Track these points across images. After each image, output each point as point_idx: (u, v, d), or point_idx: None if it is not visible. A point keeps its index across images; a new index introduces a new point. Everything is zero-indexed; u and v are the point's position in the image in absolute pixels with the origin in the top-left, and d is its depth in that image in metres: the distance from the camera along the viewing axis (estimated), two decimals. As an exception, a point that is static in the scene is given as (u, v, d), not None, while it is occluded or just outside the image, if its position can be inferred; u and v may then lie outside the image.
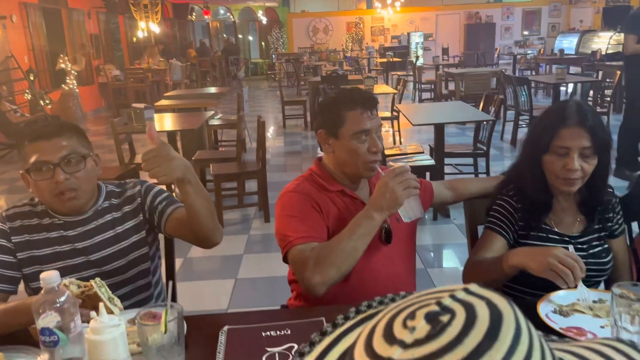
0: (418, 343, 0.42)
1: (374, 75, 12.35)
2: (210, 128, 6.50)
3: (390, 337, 0.44)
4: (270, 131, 8.52)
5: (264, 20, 18.20)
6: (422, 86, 10.10)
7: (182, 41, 16.83)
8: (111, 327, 0.92)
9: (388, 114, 6.66)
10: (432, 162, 4.28)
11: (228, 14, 18.80)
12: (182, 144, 5.71)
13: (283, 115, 8.65)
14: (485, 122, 4.40)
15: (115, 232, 1.51)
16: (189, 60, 14.81)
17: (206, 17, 15.07)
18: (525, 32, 18.20)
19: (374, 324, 0.48)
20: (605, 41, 14.05)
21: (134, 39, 13.67)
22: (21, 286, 1.47)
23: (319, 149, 1.64)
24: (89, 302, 1.10)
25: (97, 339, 0.90)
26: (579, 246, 1.55)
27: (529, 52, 16.00)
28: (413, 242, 1.72)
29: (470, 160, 4.81)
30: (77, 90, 9.00)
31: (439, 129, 4.41)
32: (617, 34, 14.05)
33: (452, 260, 3.63)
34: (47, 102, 8.24)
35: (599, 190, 1.53)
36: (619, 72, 6.33)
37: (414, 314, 0.45)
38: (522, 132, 6.51)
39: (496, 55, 15.11)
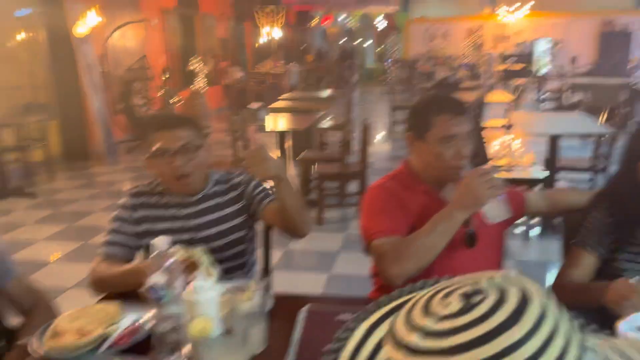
0: (449, 317, 0.48)
1: (492, 82, 11.94)
2: (318, 130, 6.76)
3: (426, 310, 0.51)
4: (377, 135, 8.60)
5: (381, 26, 18.31)
6: (545, 95, 9.57)
7: (300, 46, 17.49)
8: (208, 289, 1.07)
9: (502, 122, 6.43)
10: (544, 174, 4.10)
11: (346, 21, 19.20)
12: (292, 143, 6.01)
13: (392, 120, 8.68)
14: (605, 136, 4.12)
15: (220, 215, 1.70)
16: (306, 65, 15.38)
17: (326, 22, 15.51)
18: (670, 41, 16.41)
19: (418, 299, 0.56)
20: None
21: (256, 44, 14.50)
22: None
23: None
24: (191, 269, 1.28)
25: (194, 299, 1.06)
26: None
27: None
28: (500, 249, 1.71)
29: (589, 176, 4.52)
30: (204, 90, 9.77)
31: (553, 140, 4.20)
32: None
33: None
34: (177, 99, 9.05)
35: None
36: None
37: (453, 293, 0.52)
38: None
39: (630, 66, 13.82)
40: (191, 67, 9.68)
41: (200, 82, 9.68)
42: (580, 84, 7.91)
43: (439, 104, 1.57)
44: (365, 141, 4.32)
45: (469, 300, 0.50)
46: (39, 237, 4.38)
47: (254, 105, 4.90)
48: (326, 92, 8.78)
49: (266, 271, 1.98)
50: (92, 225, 4.65)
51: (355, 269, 3.58)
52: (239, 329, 1.05)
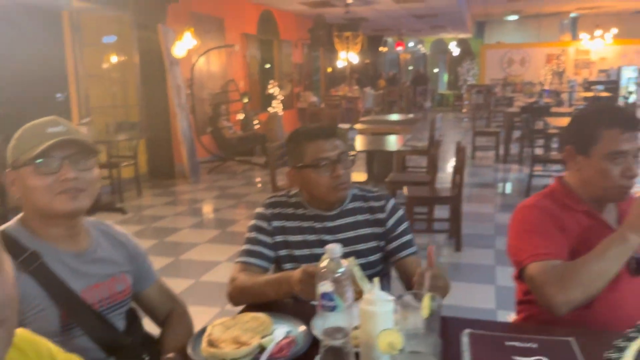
0: None
1: (572, 110, 11.39)
2: (400, 153, 6.63)
3: None
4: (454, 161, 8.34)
5: (455, 52, 18.08)
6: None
7: (374, 71, 17.55)
8: (384, 301, 0.97)
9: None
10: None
11: (418, 46, 19.11)
12: (376, 165, 5.92)
13: (473, 145, 8.41)
14: None
15: (357, 233, 1.60)
16: (378, 90, 15.37)
17: (399, 48, 15.50)
18: None
19: None
20: None
21: (329, 69, 14.66)
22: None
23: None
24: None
25: (371, 310, 0.96)
26: None
27: None
28: None
29: None
30: (281, 114, 9.93)
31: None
32: None
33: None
34: (256, 122, 9.24)
35: None
36: None
37: None
38: None
39: None
40: (270, 91, 9.88)
41: (277, 106, 9.84)
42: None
43: (610, 116, 1.42)
44: (461, 164, 4.15)
45: None
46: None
47: (343, 125, 4.86)
48: (397, 116, 8.69)
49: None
50: (180, 242, 4.72)
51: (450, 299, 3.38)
52: (425, 343, 0.94)
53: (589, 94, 12.95)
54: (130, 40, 7.19)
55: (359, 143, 5.15)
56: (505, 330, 1.28)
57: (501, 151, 8.11)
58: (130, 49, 7.25)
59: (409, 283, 1.48)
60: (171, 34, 7.12)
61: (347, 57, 11.26)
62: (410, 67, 18.41)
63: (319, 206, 1.59)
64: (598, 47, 15.98)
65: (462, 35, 17.60)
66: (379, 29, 15.32)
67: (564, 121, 6.23)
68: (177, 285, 2.46)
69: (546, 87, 15.06)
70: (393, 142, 5.32)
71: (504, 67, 17.36)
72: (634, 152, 1.39)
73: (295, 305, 1.41)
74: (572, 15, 15.77)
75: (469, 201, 5.80)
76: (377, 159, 6.08)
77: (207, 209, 6.12)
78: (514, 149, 8.40)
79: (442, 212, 4.81)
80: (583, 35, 15.89)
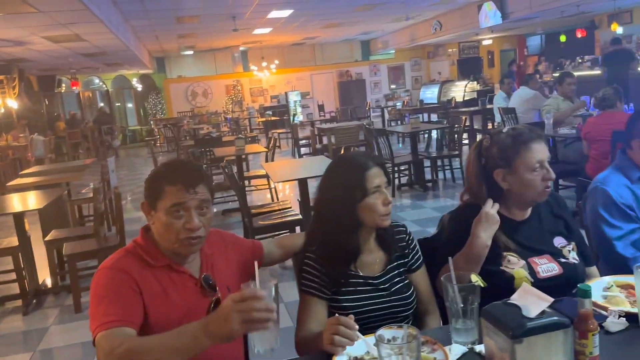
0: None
1: (254, 135, 12.55)
2: (73, 203, 6.13)
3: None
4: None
5: (140, 87, 17.90)
6: (301, 142, 10.41)
7: (50, 114, 15.95)
8: None
9: (263, 172, 6.74)
10: (299, 216, 4.36)
11: (101, 83, 18.25)
12: (41, 224, 5.30)
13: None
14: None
15: None
16: (57, 133, 14.02)
17: (74, 87, 14.47)
18: (393, 86, 19.65)
19: None
20: (461, 89, 15.62)
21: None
22: None
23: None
24: None
25: None
26: (382, 285, 1.63)
27: (397, 104, 17.29)
28: None
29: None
30: None
31: (303, 183, 4.52)
32: (470, 82, 15.68)
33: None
34: None
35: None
36: (464, 118, 6.99)
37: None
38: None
39: (367, 109, 16.08)
40: None
41: None
42: (326, 129, 8.81)
43: (171, 173, 1.48)
44: (119, 210, 4.03)
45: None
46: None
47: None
48: (79, 162, 8.08)
49: None
50: None
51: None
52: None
53: (263, 119, 14.46)
54: None
55: (4, 204, 4.52)
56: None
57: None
58: None
59: None
60: None
61: (5, 103, 9.90)
62: (102, 104, 17.38)
63: None
64: (267, 76, 18.02)
65: (143, 71, 17.52)
66: (47, 69, 14.01)
67: (233, 149, 6.75)
68: None
69: (228, 116, 16.23)
70: (47, 196, 4.80)
71: (189, 99, 17.99)
72: (194, 206, 1.44)
73: None
74: (242, 49, 17.39)
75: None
76: (42, 217, 5.45)
77: None
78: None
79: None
80: (253, 67, 17.68)
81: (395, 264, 1.68)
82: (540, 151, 1.65)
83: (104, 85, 18.35)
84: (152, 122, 17.12)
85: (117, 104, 18.78)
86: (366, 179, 1.57)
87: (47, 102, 16.26)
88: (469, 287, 1.34)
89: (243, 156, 6.62)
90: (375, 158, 1.67)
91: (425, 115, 13.03)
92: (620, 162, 2.06)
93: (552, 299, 1.13)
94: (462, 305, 1.33)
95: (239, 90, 18.28)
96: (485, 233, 1.58)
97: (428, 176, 7.16)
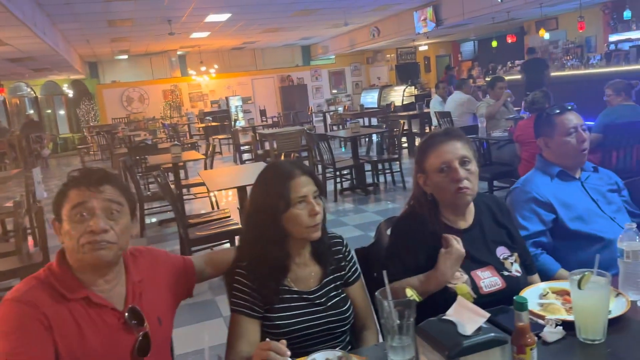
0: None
1: (194, 141, 12.22)
2: (-4, 218, 5.70)
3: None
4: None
5: (71, 93, 17.08)
6: (242, 148, 10.22)
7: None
8: None
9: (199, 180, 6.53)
10: (238, 226, 4.22)
11: (29, 89, 17.27)
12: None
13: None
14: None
15: None
16: (-20, 143, 13.11)
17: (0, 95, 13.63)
18: (334, 91, 19.78)
19: None
20: (400, 94, 15.91)
21: None
22: None
23: None
24: None
25: None
26: (318, 300, 1.55)
27: (339, 108, 17.40)
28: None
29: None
30: None
31: (242, 191, 4.39)
32: (408, 86, 16.01)
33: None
34: None
35: (324, 232, 1.59)
36: (402, 122, 7.08)
37: None
38: (331, 184, 6.88)
39: (309, 113, 16.08)
40: None
41: None
42: (268, 134, 8.69)
43: (74, 177, 1.34)
44: (40, 224, 3.74)
45: None
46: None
47: None
48: (6, 172, 7.56)
49: None
50: None
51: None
52: None
53: (202, 125, 14.14)
54: None
55: None
56: None
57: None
58: None
59: None
60: None
61: None
62: (31, 112, 16.35)
63: None
64: (206, 81, 17.66)
65: (75, 76, 16.74)
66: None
67: (169, 157, 6.50)
68: None
69: (166, 122, 15.75)
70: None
71: (124, 105, 17.34)
72: (98, 208, 1.30)
73: None
74: (179, 53, 16.96)
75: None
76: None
77: None
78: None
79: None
80: (192, 72, 17.28)
81: (331, 277, 1.60)
82: (448, 152, 1.60)
83: (32, 92, 17.38)
84: (84, 130, 16.37)
85: (47, 111, 17.84)
86: (290, 189, 1.49)
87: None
88: (405, 302, 1.28)
89: (180, 163, 6.40)
90: (303, 167, 1.57)
91: (367, 119, 13.16)
92: (539, 164, 2.15)
93: (488, 315, 1.08)
94: (398, 322, 1.27)
95: (177, 95, 17.81)
96: (452, 270, 1.52)
97: (370, 180, 7.19)
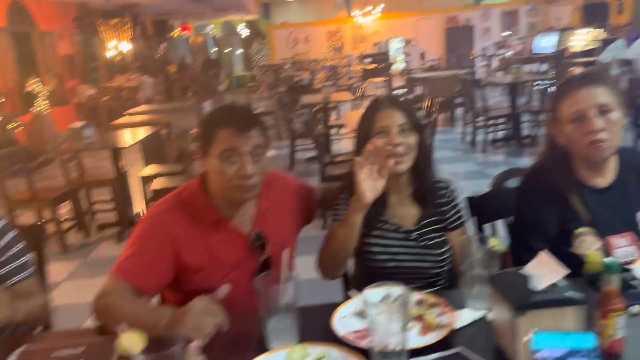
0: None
1: (351, 83, 12.40)
2: (172, 143, 6.51)
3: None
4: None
5: (245, 33, 18.30)
6: (394, 92, 10.13)
7: (162, 57, 16.90)
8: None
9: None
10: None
11: (210, 29, 18.89)
12: (144, 160, 5.72)
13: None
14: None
15: None
16: (169, 76, 14.86)
17: (185, 32, 15.15)
18: (505, 33, 18.24)
19: None
20: (583, 38, 14.09)
21: (111, 59, 13.71)
22: None
23: None
24: None
25: None
26: (413, 238, 1.56)
27: (508, 52, 16.07)
28: None
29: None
30: (47, 112, 9.02)
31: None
32: (594, 30, 14.09)
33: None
34: (16, 125, 8.27)
35: (425, 173, 1.57)
36: (573, 69, 6.35)
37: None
38: (481, 134, 6.52)
39: (471, 57, 15.14)
40: (29, 89, 8.90)
41: (40, 104, 8.92)
42: (419, 78, 8.46)
43: (223, 116, 1.41)
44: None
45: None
46: None
47: (77, 123, 4.58)
48: (185, 103, 8.53)
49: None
50: None
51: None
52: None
53: (360, 67, 14.18)
54: None
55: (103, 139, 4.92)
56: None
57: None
58: None
59: None
60: None
61: (117, 45, 10.63)
62: (215, 49, 17.97)
63: None
64: (370, 22, 17.53)
65: (249, 17, 17.84)
66: (159, 13, 14.75)
67: (319, 97, 6.74)
68: None
69: (328, 63, 16.13)
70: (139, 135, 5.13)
71: (290, 46, 18.10)
72: (248, 151, 1.37)
73: None
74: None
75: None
76: (146, 153, 5.84)
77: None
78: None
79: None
80: (356, 11, 17.25)
81: (430, 219, 1.58)
82: (583, 99, 1.41)
83: (213, 31, 18.97)
84: (255, 69, 17.53)
85: (225, 50, 19.39)
86: (374, 121, 1.52)
87: (160, 46, 17.22)
88: (490, 251, 1.23)
89: (331, 105, 6.59)
90: (397, 102, 1.56)
91: (536, 65, 12.00)
92: None
93: (567, 271, 0.99)
94: (481, 271, 1.23)
95: (339, 37, 18.02)
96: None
97: (527, 132, 6.67)
